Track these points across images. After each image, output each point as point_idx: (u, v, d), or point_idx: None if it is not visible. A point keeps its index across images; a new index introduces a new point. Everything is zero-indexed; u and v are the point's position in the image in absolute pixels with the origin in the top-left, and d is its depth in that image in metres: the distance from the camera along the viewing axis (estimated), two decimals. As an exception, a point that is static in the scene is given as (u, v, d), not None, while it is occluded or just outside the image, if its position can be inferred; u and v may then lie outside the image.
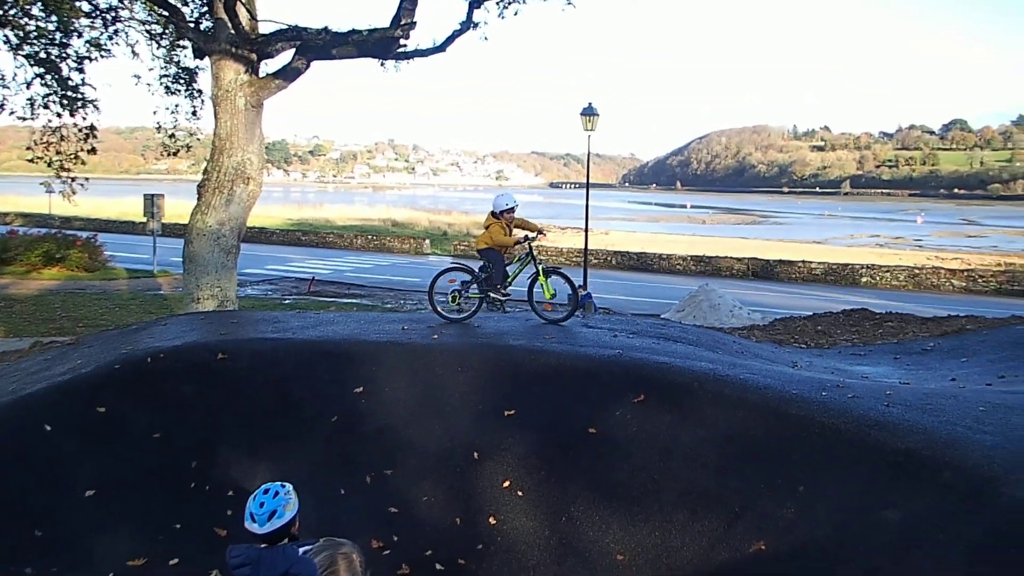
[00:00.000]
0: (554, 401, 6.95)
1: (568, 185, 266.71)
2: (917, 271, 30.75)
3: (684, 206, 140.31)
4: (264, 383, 7.33)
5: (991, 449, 5.47)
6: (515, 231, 9.00)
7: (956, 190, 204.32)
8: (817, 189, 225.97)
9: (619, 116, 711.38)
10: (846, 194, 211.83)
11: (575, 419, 6.76)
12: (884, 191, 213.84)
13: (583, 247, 27.67)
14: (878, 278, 30.35)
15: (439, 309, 9.20)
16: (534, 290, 8.96)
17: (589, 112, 24.90)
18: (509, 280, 9.02)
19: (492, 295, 8.94)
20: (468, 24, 12.85)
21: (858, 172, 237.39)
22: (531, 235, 8.95)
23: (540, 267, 8.87)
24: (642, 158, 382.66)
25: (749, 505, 5.90)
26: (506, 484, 6.48)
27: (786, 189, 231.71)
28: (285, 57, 12.74)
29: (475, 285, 8.97)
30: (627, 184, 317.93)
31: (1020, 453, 5.39)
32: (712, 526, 5.91)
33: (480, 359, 7.46)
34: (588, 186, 27.93)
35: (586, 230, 27.86)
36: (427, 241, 43.74)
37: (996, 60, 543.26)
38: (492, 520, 6.34)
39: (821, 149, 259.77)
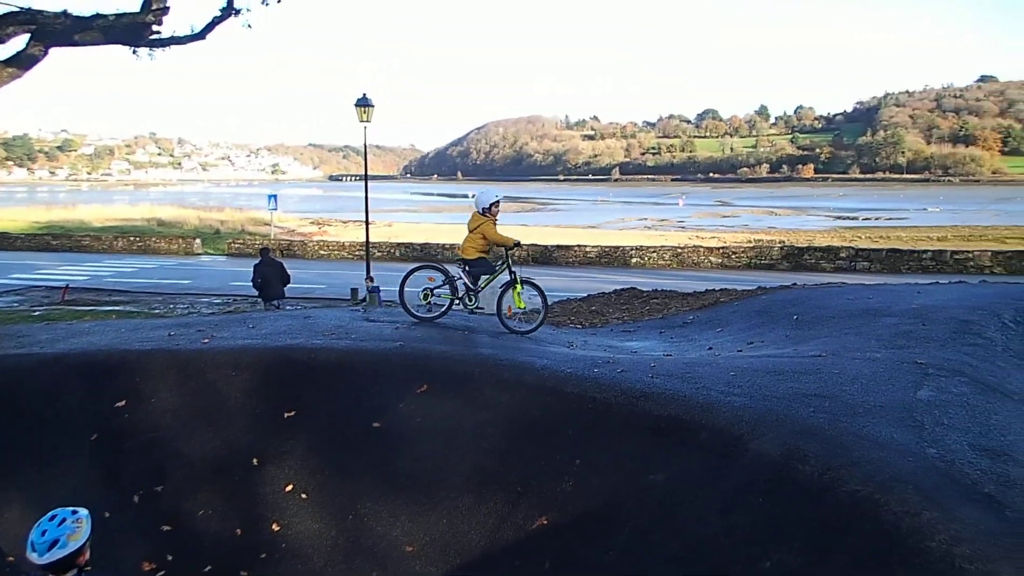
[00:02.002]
0: (336, 398, 6.82)
1: (348, 178, 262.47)
2: (680, 250, 33.06)
3: (466, 195, 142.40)
4: (7, 404, 6.62)
5: (740, 409, 5.98)
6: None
7: (711, 174, 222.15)
8: (590, 176, 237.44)
9: (400, 107, 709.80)
10: (616, 180, 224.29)
11: (359, 415, 6.67)
12: (650, 177, 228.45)
13: (365, 240, 27.31)
14: (646, 258, 32.35)
15: (409, 308, 9.03)
16: (504, 299, 8.84)
17: (364, 103, 24.57)
18: (483, 286, 8.87)
19: (468, 305, 8.82)
20: (229, 10, 12.24)
21: (626, 159, 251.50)
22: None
23: (517, 276, 8.76)
24: (423, 149, 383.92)
25: (531, 483, 6.09)
26: (289, 488, 6.28)
27: (561, 177, 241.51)
28: (19, 43, 11.49)
29: (447, 287, 8.84)
30: (409, 175, 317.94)
31: (764, 411, 5.93)
32: (497, 507, 6.05)
33: (256, 361, 7.16)
34: (367, 178, 27.65)
35: (367, 223, 27.46)
36: (198, 240, 41.20)
37: (739, 55, 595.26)
38: (275, 527, 6.12)
39: (592, 138, 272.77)
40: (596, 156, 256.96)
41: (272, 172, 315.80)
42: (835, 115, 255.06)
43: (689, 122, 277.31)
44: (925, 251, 30.93)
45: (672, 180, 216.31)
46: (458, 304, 8.91)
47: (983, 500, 4.56)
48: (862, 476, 4.89)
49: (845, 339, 8.80)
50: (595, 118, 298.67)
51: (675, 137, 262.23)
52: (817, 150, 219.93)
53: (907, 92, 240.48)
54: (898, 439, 5.38)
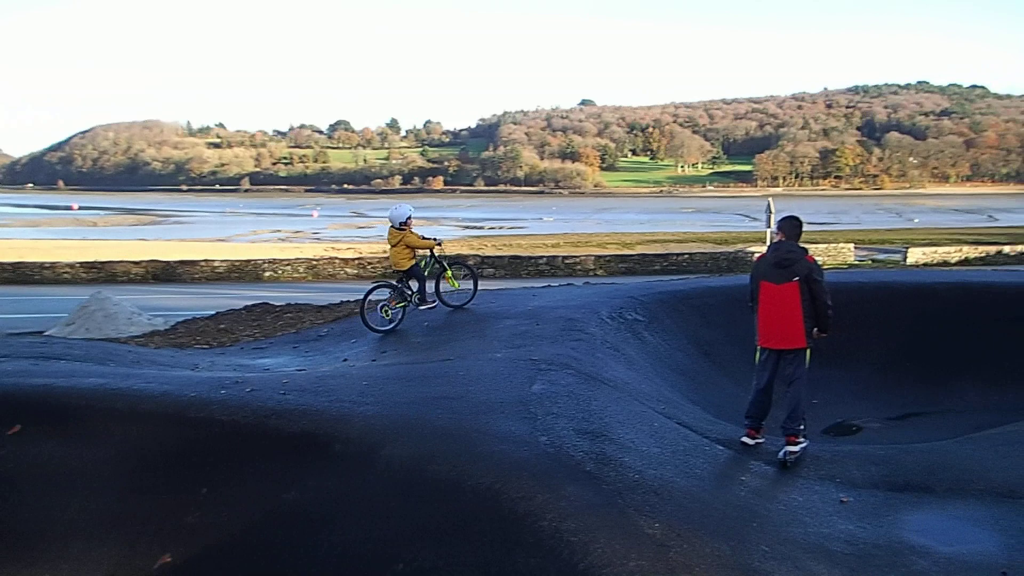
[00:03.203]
0: None
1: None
2: (315, 262, 32.77)
3: (70, 207, 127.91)
4: None
5: (372, 418, 6.07)
6: None
7: (346, 185, 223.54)
8: (217, 187, 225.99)
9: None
10: (246, 191, 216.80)
11: (-72, 469, 5.63)
12: (282, 187, 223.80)
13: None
14: (280, 271, 31.58)
15: (370, 323, 10.23)
16: (441, 284, 10.95)
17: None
18: (427, 283, 10.68)
19: (422, 307, 10.51)
20: None
21: (256, 169, 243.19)
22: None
23: (446, 263, 11.05)
24: (12, 154, 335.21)
25: (153, 519, 5.62)
26: None
27: (185, 187, 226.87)
28: None
29: (397, 297, 10.37)
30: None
31: (396, 418, 6.09)
32: (113, 551, 5.49)
33: None
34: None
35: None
36: None
37: (369, 68, 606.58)
38: None
39: (218, 146, 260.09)
40: (223, 165, 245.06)
41: None
42: (461, 130, 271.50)
43: (322, 132, 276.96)
44: (541, 257, 34.00)
45: (306, 191, 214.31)
46: (411, 307, 10.47)
47: (585, 478, 5.11)
48: (485, 469, 5.22)
49: (471, 342, 9.34)
50: (221, 125, 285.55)
51: (308, 147, 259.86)
52: (446, 163, 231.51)
53: (522, 111, 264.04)
54: (516, 431, 5.82)
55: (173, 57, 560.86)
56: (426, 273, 10.67)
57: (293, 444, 5.94)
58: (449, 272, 10.95)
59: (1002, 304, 11.49)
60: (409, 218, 10.42)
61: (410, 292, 10.46)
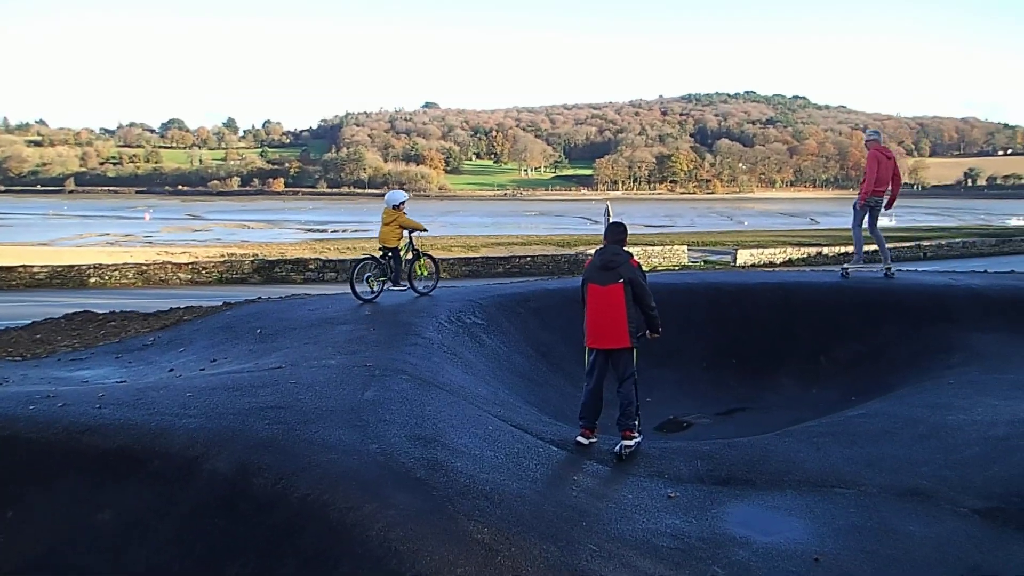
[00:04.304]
0: None
1: None
2: (145, 267, 31.00)
3: None
4: None
5: (194, 431, 5.82)
6: None
7: (180, 187, 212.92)
8: (39, 187, 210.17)
9: None
10: (71, 192, 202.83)
11: None
12: (111, 188, 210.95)
13: None
14: (107, 277, 29.69)
15: (359, 293, 11.67)
16: (412, 270, 12.25)
17: None
18: (404, 264, 12.15)
19: (394, 288, 11.94)
20: None
21: (82, 169, 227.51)
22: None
23: (419, 252, 12.42)
24: None
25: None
26: None
27: (2, 188, 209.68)
28: None
29: (380, 271, 11.85)
30: None
31: (220, 429, 5.86)
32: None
33: None
34: None
35: None
36: None
37: (204, 66, 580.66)
38: None
39: (39, 144, 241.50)
40: (45, 165, 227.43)
41: None
42: (302, 131, 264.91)
43: (153, 131, 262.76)
44: (384, 260, 33.64)
45: (137, 192, 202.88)
46: (390, 283, 11.89)
47: (415, 485, 5.08)
48: (313, 480, 5.10)
49: (305, 349, 9.11)
50: (42, 122, 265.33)
51: (138, 147, 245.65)
52: (287, 164, 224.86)
53: (365, 113, 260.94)
54: (346, 440, 5.72)
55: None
56: (404, 258, 12.12)
57: (109, 461, 5.67)
58: (422, 260, 12.44)
59: (818, 303, 12.23)
60: (403, 202, 12.08)
61: (391, 270, 11.86)
